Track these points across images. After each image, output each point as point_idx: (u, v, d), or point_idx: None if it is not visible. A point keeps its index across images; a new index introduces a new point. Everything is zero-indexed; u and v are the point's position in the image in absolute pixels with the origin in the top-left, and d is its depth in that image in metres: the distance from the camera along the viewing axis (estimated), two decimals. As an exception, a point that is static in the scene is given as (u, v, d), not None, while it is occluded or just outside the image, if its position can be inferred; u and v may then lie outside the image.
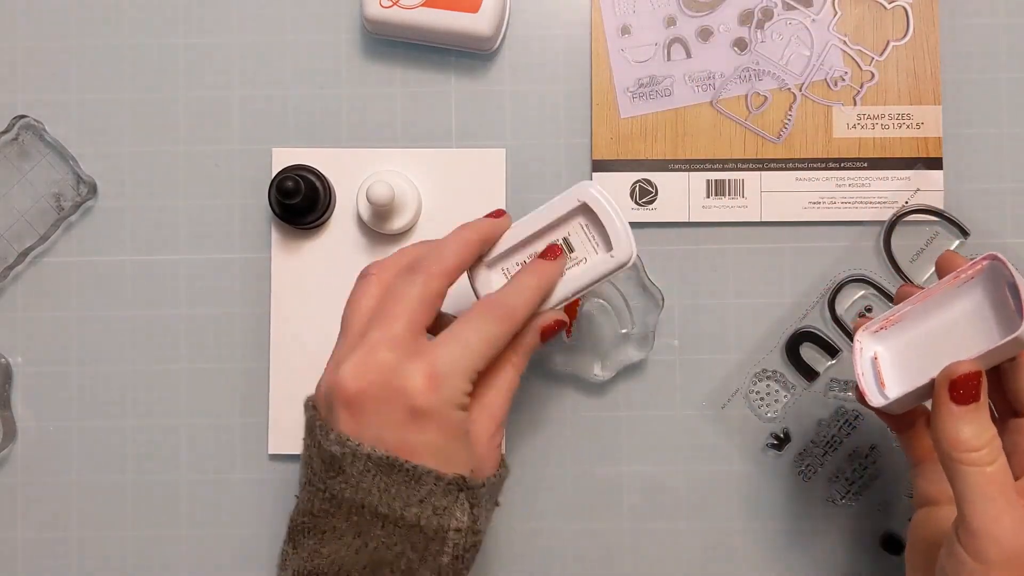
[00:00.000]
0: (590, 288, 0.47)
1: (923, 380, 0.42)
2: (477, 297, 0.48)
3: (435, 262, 0.44)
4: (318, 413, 0.43)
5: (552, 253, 0.47)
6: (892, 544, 0.56)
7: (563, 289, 0.47)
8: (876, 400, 0.45)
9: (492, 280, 0.48)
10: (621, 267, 0.46)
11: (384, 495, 0.41)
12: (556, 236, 0.47)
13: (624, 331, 0.56)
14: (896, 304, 0.47)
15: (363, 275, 0.46)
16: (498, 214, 0.47)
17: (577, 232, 0.47)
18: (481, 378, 0.44)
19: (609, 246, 0.46)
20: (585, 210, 0.46)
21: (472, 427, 0.44)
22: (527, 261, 0.47)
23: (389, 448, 0.41)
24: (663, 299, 0.56)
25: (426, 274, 0.43)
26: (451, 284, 0.45)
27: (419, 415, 0.41)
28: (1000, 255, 0.43)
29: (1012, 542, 0.38)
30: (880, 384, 0.46)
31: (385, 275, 0.45)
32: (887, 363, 0.46)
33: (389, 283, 0.45)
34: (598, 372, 0.56)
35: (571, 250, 0.47)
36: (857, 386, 0.46)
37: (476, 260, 0.47)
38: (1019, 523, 0.38)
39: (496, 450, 0.45)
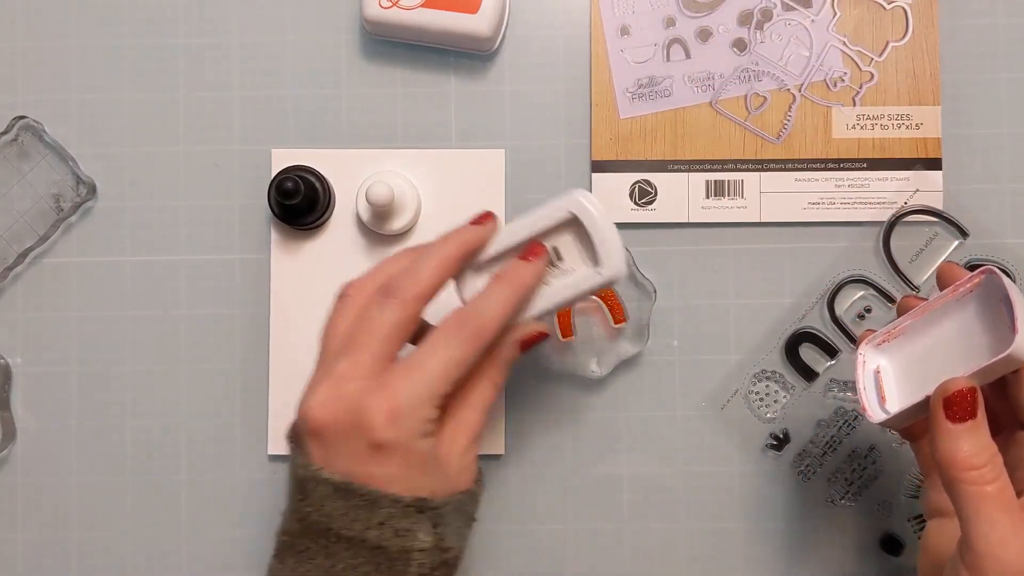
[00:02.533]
0: (574, 303, 0.45)
1: (920, 396, 0.42)
2: (463, 302, 0.46)
3: (410, 286, 0.43)
4: (295, 436, 0.44)
5: (533, 253, 0.44)
6: (891, 545, 0.56)
7: (545, 301, 0.45)
8: (876, 416, 0.44)
9: (479, 286, 0.45)
10: (609, 284, 0.44)
11: (344, 518, 0.41)
12: (547, 243, 0.45)
13: (618, 326, 0.56)
14: (899, 316, 0.46)
15: (341, 295, 0.45)
16: (484, 218, 0.45)
17: (568, 243, 0.45)
18: (455, 394, 0.43)
19: (597, 260, 0.44)
20: (576, 222, 0.44)
21: (443, 446, 0.43)
22: None
23: (357, 479, 0.41)
24: (655, 291, 0.56)
25: (400, 299, 0.42)
26: (428, 303, 0.43)
27: (380, 449, 0.41)
28: (996, 269, 0.42)
29: (1017, 565, 0.37)
30: (881, 399, 0.45)
31: (361, 296, 0.44)
32: (889, 377, 0.46)
33: (364, 305, 0.43)
34: (595, 368, 0.56)
35: (560, 259, 0.45)
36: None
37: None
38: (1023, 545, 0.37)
39: (471, 465, 0.45)
